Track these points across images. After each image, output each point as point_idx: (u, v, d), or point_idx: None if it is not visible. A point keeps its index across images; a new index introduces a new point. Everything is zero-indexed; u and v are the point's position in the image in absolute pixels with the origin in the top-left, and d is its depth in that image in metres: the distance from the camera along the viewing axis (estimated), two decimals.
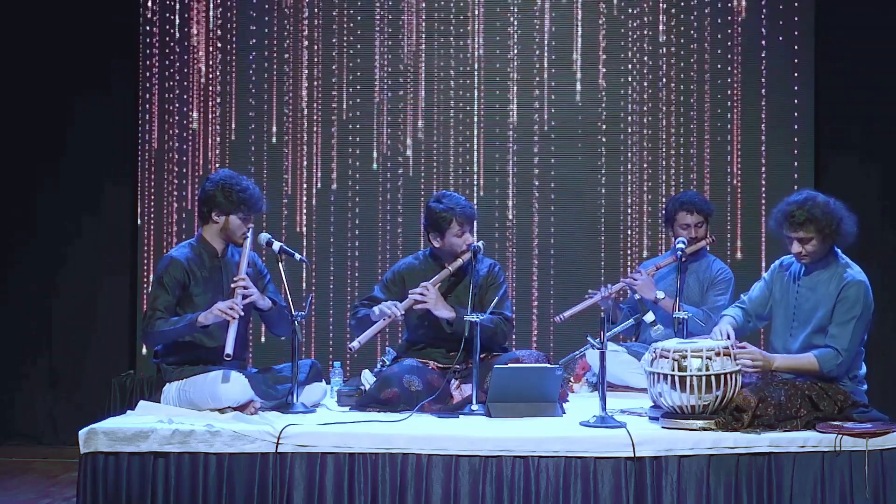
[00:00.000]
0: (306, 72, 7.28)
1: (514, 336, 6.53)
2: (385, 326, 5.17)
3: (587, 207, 7.20)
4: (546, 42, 7.23)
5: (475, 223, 5.44)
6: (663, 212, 6.22)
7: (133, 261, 7.28)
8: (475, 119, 7.25)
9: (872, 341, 4.82)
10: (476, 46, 7.25)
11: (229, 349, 4.71)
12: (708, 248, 6.09)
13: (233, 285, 4.92)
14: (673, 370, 4.48)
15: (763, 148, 7.15)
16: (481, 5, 7.25)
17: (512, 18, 7.24)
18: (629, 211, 7.18)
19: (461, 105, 7.24)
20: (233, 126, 7.27)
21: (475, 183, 7.22)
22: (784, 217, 4.72)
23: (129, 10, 7.27)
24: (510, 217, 7.22)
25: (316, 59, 7.27)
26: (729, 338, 4.77)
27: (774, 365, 4.69)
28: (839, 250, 4.80)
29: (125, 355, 7.23)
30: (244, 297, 4.88)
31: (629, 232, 7.18)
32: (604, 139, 7.21)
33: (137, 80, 7.25)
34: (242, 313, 4.85)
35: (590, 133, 7.22)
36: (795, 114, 7.12)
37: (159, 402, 4.92)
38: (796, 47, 7.13)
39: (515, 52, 7.24)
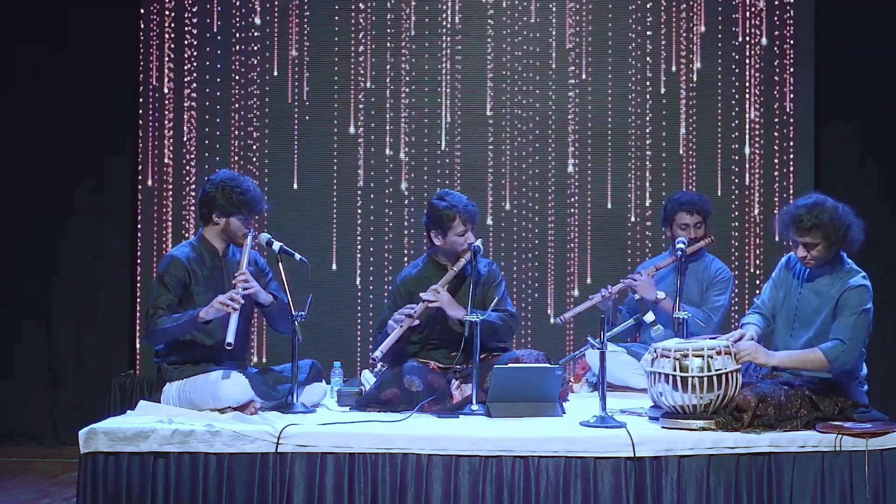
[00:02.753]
0: (307, 74, 7.27)
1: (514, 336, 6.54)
2: (403, 333, 5.12)
3: (588, 207, 7.20)
4: (545, 41, 7.23)
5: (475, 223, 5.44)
6: (662, 212, 6.22)
7: (133, 261, 7.27)
8: (475, 119, 7.25)
9: (872, 342, 4.82)
10: (477, 46, 7.25)
11: (230, 338, 4.71)
12: (706, 249, 6.09)
13: (234, 281, 4.92)
14: (674, 370, 4.48)
15: (763, 148, 7.15)
16: (485, 6, 7.25)
17: (514, 17, 7.24)
18: (629, 211, 7.18)
19: (463, 105, 7.24)
20: (233, 124, 7.26)
21: (474, 183, 7.21)
22: (792, 220, 4.67)
23: (129, 12, 7.28)
24: (510, 217, 7.22)
25: (314, 59, 7.27)
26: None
27: (775, 361, 4.66)
28: (845, 254, 4.78)
29: (125, 355, 7.23)
30: (244, 289, 4.88)
31: (630, 232, 7.18)
32: (603, 140, 7.21)
33: (138, 80, 7.25)
34: (243, 301, 4.85)
35: (589, 133, 7.22)
36: (795, 113, 7.13)
37: (159, 402, 4.92)
38: (796, 46, 7.13)
39: (515, 51, 7.24)
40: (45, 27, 7.28)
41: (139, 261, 7.24)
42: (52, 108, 7.26)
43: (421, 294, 5.17)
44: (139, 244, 7.24)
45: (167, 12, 7.24)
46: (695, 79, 7.19)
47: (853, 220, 4.69)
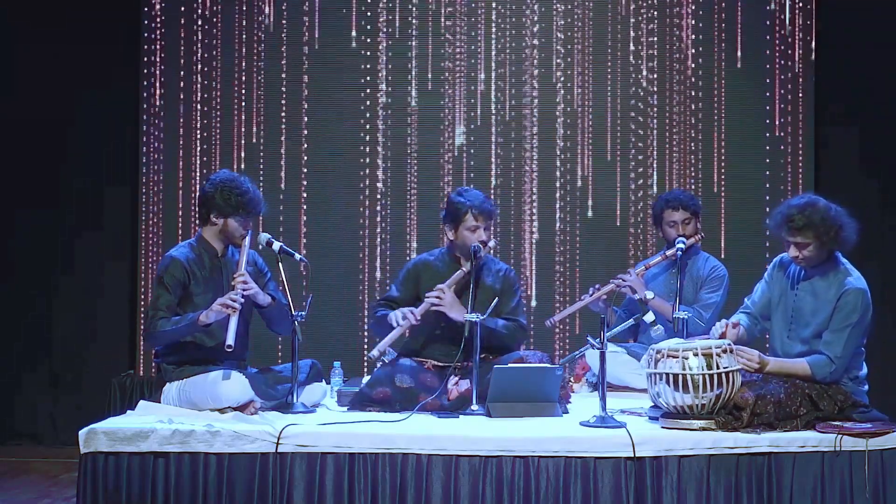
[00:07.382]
0: (312, 74, 7.28)
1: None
2: (403, 332, 5.15)
3: (587, 207, 7.20)
4: (546, 41, 7.24)
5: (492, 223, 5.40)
6: (651, 212, 6.20)
7: (133, 261, 7.28)
8: (476, 118, 7.25)
9: (873, 341, 4.82)
10: (482, 45, 7.25)
11: (230, 340, 4.71)
12: (700, 245, 6.06)
13: (233, 282, 4.92)
14: (683, 369, 4.46)
15: (761, 147, 7.16)
16: (491, 6, 7.26)
17: (518, 16, 7.25)
18: (629, 211, 7.18)
19: (463, 105, 7.24)
20: (233, 125, 7.26)
21: (476, 182, 7.20)
22: (783, 220, 4.67)
23: (132, 7, 7.29)
24: (508, 216, 7.22)
25: (317, 60, 7.27)
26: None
27: (767, 368, 4.68)
28: (840, 255, 4.77)
29: (125, 355, 7.23)
30: (243, 290, 4.88)
31: (629, 232, 7.18)
32: (601, 138, 7.21)
33: (139, 78, 7.25)
34: (243, 300, 4.85)
35: (588, 131, 7.22)
36: (794, 114, 7.13)
37: (159, 402, 4.92)
38: (796, 45, 7.14)
39: (514, 50, 7.24)
40: (45, 23, 7.29)
41: (139, 261, 7.24)
42: (51, 106, 7.26)
43: (426, 294, 5.18)
44: (139, 244, 7.24)
45: (169, 12, 7.25)
46: (695, 80, 7.18)
47: (845, 220, 4.68)
